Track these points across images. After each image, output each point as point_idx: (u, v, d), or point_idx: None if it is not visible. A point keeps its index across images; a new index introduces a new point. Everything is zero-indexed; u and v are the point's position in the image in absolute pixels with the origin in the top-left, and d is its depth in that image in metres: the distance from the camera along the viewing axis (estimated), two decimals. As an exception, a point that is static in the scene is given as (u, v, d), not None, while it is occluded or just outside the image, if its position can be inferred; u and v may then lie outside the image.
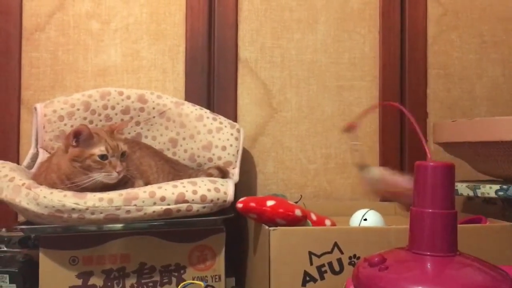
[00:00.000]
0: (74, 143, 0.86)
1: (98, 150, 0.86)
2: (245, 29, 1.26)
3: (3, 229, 1.05)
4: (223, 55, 1.24)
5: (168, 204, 0.87)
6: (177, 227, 0.90)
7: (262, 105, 1.26)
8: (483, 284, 0.56)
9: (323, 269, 0.79)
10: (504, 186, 0.95)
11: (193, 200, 0.88)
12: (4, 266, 0.90)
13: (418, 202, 0.62)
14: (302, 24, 1.28)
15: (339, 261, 0.80)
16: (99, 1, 1.21)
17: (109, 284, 0.88)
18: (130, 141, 1.04)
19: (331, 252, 0.80)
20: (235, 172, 1.08)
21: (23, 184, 0.83)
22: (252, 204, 0.84)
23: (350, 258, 0.80)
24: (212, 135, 1.11)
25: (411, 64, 1.31)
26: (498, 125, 0.94)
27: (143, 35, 1.23)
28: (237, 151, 1.12)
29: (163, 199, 0.86)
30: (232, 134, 1.12)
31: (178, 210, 0.87)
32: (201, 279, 0.92)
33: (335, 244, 0.80)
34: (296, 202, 0.99)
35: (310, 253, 0.79)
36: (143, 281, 0.90)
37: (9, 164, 0.93)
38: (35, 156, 1.04)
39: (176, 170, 1.05)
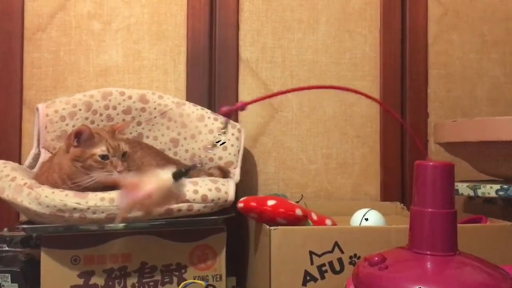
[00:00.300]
0: (75, 143, 0.87)
1: (99, 150, 0.86)
2: (246, 29, 1.26)
3: (5, 229, 1.05)
4: (224, 55, 1.24)
5: (169, 204, 0.87)
6: (178, 227, 0.90)
7: (263, 105, 1.26)
8: (483, 283, 0.57)
9: (323, 268, 0.80)
10: (505, 186, 0.95)
11: (194, 199, 0.88)
12: (6, 266, 0.91)
13: (418, 202, 0.62)
14: (303, 24, 1.28)
15: (340, 260, 0.80)
16: (101, 1, 1.22)
17: (110, 283, 0.89)
18: (132, 141, 1.04)
19: (331, 251, 0.80)
20: (236, 172, 1.09)
21: (24, 184, 0.84)
22: (253, 204, 0.84)
23: (350, 257, 0.80)
24: (213, 135, 1.12)
25: (411, 64, 1.31)
26: (499, 125, 0.94)
27: (144, 36, 1.23)
28: (238, 151, 1.12)
29: (164, 198, 0.86)
30: (233, 134, 1.13)
31: (179, 210, 0.87)
32: (202, 278, 0.92)
33: (336, 244, 0.80)
34: (297, 202, 0.99)
35: (311, 253, 0.79)
36: (144, 280, 0.90)
37: (11, 164, 0.93)
38: (37, 156, 1.04)
39: (177, 170, 1.05)
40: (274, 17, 1.27)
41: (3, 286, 0.90)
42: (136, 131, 1.12)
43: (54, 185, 0.87)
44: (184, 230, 0.91)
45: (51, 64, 1.20)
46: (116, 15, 1.22)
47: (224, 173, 1.06)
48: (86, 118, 1.07)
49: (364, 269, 0.62)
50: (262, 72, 1.26)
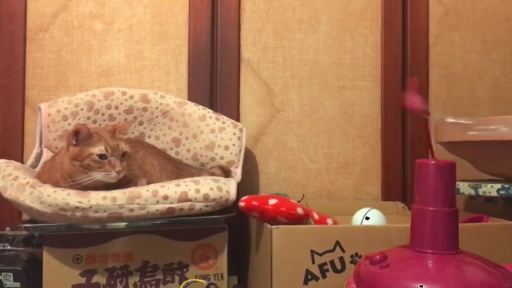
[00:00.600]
0: (74, 142, 0.87)
1: (97, 149, 0.86)
2: (248, 29, 1.26)
3: (7, 228, 1.06)
4: (225, 55, 1.25)
5: (171, 203, 0.87)
6: (180, 226, 0.90)
7: (265, 105, 1.26)
8: (484, 282, 0.57)
9: (325, 267, 0.80)
10: (506, 185, 0.95)
11: (195, 198, 0.89)
12: (8, 265, 0.91)
13: (419, 200, 0.62)
14: (304, 24, 1.28)
15: (341, 259, 0.80)
16: (103, 1, 1.22)
17: (112, 282, 0.89)
18: (133, 141, 1.04)
19: (333, 250, 0.80)
20: (237, 172, 1.09)
21: (27, 183, 0.84)
22: (254, 203, 0.84)
23: (352, 256, 0.80)
24: (215, 134, 1.12)
25: (412, 64, 1.31)
26: (500, 125, 0.94)
27: (146, 36, 1.23)
28: (240, 150, 1.12)
29: (166, 197, 0.87)
30: (234, 134, 1.13)
31: (181, 209, 0.88)
32: (204, 277, 0.92)
33: (337, 243, 0.80)
34: (299, 202, 1.00)
35: (312, 252, 0.79)
36: (146, 279, 0.90)
37: (13, 163, 0.93)
38: (39, 156, 1.04)
39: (179, 170, 1.05)
40: (276, 17, 1.27)
41: (5, 285, 0.90)
42: (138, 130, 1.13)
43: (56, 184, 0.87)
44: (186, 229, 0.91)
45: (53, 64, 1.20)
46: (118, 15, 1.22)
47: (226, 173, 1.06)
48: (88, 118, 1.08)
49: (366, 267, 0.62)
50: (263, 72, 1.27)
